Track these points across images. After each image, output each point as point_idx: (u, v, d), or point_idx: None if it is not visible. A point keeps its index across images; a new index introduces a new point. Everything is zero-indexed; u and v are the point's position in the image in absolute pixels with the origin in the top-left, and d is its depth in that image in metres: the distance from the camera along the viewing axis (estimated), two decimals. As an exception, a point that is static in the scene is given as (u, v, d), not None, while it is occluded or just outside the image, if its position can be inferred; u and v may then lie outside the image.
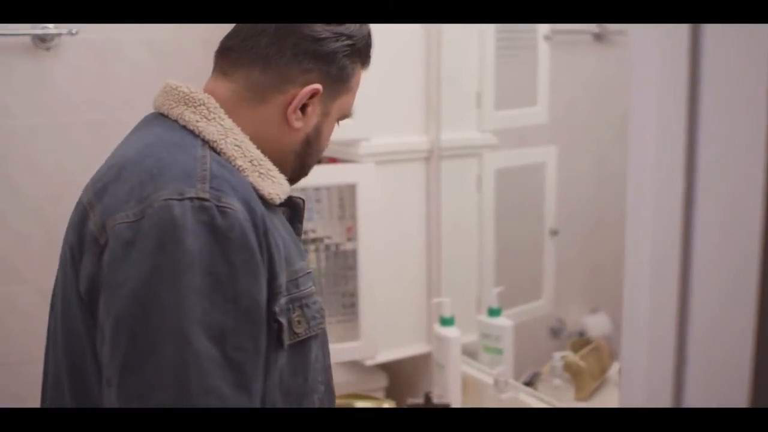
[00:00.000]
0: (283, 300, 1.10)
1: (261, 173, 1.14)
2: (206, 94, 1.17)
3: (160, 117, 1.17)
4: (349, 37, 1.20)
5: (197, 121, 1.13)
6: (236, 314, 1.01)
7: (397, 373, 2.36)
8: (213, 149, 1.12)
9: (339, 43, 1.19)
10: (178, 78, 2.45)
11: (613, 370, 2.28)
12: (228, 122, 1.15)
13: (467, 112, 2.26)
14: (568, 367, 2.08)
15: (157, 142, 1.12)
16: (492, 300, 2.22)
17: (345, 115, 1.27)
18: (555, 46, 2.41)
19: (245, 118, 1.17)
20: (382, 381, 2.32)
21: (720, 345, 0.73)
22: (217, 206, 1.01)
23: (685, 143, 0.74)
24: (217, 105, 1.16)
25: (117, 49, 2.37)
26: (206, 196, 1.02)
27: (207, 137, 1.12)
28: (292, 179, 1.26)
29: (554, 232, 2.50)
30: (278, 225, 1.14)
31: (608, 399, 2.15)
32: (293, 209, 1.25)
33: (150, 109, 2.38)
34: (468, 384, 2.14)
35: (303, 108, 1.19)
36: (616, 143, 2.60)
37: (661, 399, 0.79)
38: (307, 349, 1.16)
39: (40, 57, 2.28)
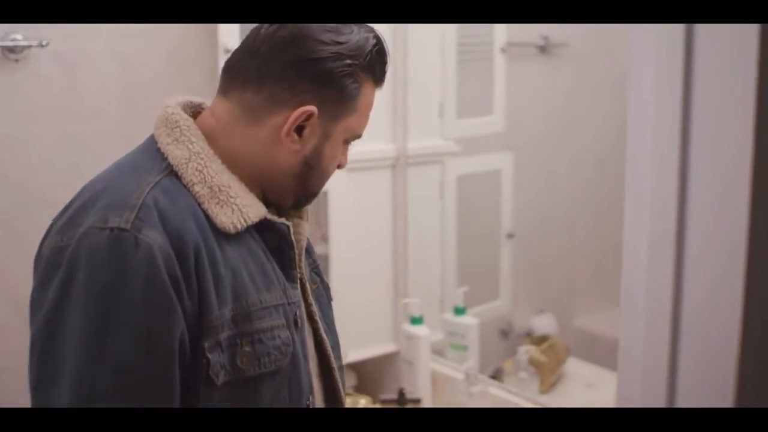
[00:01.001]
0: (223, 335, 1.08)
1: (220, 200, 1.11)
2: (184, 115, 1.16)
3: (151, 136, 1.18)
4: (350, 56, 1.14)
5: (167, 144, 1.14)
6: (140, 348, 1.02)
7: (364, 372, 2.45)
8: (176, 173, 1.12)
9: (337, 63, 1.13)
10: (137, 87, 2.48)
11: (568, 365, 2.43)
12: (198, 146, 1.13)
13: (431, 121, 2.38)
14: (533, 360, 2.21)
15: (123, 164, 1.15)
16: (455, 300, 2.34)
17: (355, 135, 1.22)
18: (510, 59, 2.55)
19: (239, 138, 1.16)
20: (351, 380, 2.40)
21: (709, 350, 0.81)
22: (136, 237, 1.02)
23: (680, 141, 0.80)
24: (193, 127, 1.15)
25: (85, 61, 2.40)
26: (127, 226, 1.02)
27: (171, 161, 1.12)
28: (297, 203, 1.24)
29: (510, 236, 2.63)
30: (232, 254, 1.11)
31: (569, 391, 2.30)
32: (278, 235, 1.19)
33: (117, 121, 2.41)
34: (435, 380, 2.24)
35: (300, 130, 1.15)
36: (562, 149, 2.76)
37: (655, 399, 0.85)
38: (257, 387, 1.12)
39: (10, 69, 2.30)
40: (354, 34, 1.15)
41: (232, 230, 1.11)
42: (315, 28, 1.13)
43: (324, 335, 1.29)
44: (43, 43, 2.29)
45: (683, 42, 0.78)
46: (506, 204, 2.62)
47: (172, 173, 1.11)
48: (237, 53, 1.18)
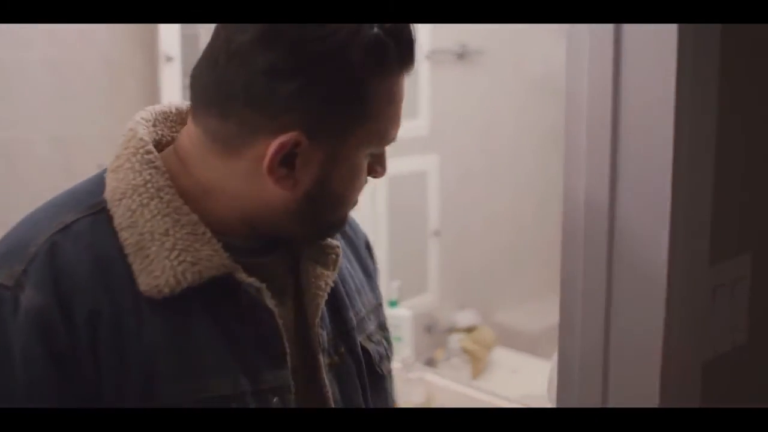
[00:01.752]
0: None
1: (150, 253, 0.85)
2: (142, 131, 0.91)
3: None
4: (341, 51, 0.83)
5: (110, 171, 0.90)
6: None
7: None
8: (108, 211, 0.88)
9: (327, 65, 0.83)
10: (72, 94, 2.48)
11: (494, 353, 2.58)
12: (142, 177, 0.88)
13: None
14: (465, 348, 2.34)
15: (60, 195, 0.93)
16: (389, 293, 2.46)
17: (385, 141, 0.92)
18: (433, 65, 2.69)
19: (215, 171, 0.89)
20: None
21: (635, 357, 0.88)
22: (16, 298, 0.81)
23: (611, 138, 0.87)
24: (144, 149, 0.89)
25: (20, 69, 2.42)
26: (9, 283, 0.82)
27: (105, 195, 0.88)
28: (310, 239, 0.96)
29: (437, 233, 2.76)
30: (160, 327, 0.85)
31: (498, 376, 2.45)
32: (247, 300, 0.89)
33: (53, 129, 2.42)
34: (373, 370, 2.36)
35: (290, 159, 0.85)
36: (481, 151, 2.92)
37: (591, 400, 0.92)
38: None
39: (-57, 76, 2.31)
40: (341, 25, 0.84)
41: (157, 295, 0.85)
42: (286, 25, 0.83)
43: None
44: (-22, 51, 2.31)
45: (612, 39, 0.87)
46: (433, 203, 2.76)
47: (103, 211, 0.87)
48: (198, 63, 0.90)
